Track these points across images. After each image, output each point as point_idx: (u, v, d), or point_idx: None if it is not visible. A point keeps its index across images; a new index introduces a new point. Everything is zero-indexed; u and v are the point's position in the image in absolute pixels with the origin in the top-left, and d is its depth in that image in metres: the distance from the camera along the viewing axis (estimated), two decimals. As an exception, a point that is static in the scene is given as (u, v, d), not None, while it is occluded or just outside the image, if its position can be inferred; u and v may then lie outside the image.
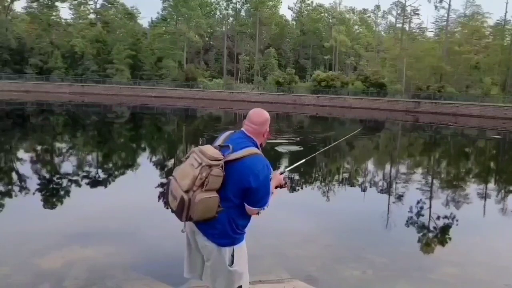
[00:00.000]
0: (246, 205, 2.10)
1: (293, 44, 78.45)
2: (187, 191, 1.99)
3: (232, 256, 2.13)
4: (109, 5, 68.09)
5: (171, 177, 2.15)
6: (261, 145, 2.26)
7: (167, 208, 2.17)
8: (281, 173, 2.46)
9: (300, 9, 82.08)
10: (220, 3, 74.26)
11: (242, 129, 2.26)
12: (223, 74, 67.20)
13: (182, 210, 2.01)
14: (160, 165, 11.11)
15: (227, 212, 2.07)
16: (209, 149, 2.09)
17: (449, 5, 56.78)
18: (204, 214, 2.01)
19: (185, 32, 62.08)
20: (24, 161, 10.40)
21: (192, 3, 64.44)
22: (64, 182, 8.41)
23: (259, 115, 2.24)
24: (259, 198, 2.09)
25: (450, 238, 5.95)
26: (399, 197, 8.35)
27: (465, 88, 53.32)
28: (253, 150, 2.11)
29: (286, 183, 2.44)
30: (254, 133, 2.21)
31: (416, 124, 32.04)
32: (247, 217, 2.19)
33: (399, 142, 20.95)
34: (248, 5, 71.22)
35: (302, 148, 13.61)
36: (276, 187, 2.36)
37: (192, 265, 2.32)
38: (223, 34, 72.24)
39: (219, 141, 2.23)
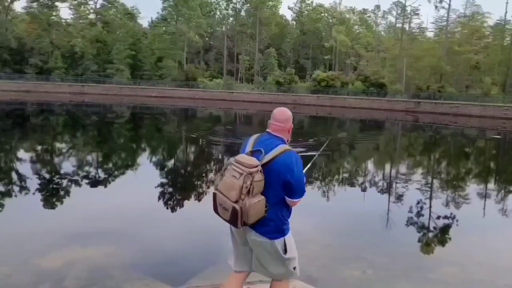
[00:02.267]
0: (287, 198, 2.30)
1: (293, 44, 78.45)
2: (236, 201, 2.16)
3: (285, 245, 2.34)
4: (109, 5, 68.09)
5: (215, 191, 2.31)
6: (287, 141, 2.43)
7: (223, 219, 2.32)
8: None
9: (300, 9, 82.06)
10: (220, 3, 74.32)
11: (267, 130, 2.42)
12: (223, 74, 67.19)
13: (236, 219, 2.18)
14: (160, 165, 11.10)
15: (275, 209, 2.28)
16: (244, 158, 2.26)
17: (449, 5, 56.81)
18: (256, 217, 2.20)
19: (185, 32, 62.07)
20: (24, 161, 10.40)
21: (192, 3, 64.40)
22: (64, 182, 8.41)
23: (283, 113, 2.44)
24: (298, 190, 2.28)
25: (450, 238, 5.95)
26: (399, 197, 8.35)
27: (465, 88, 53.35)
28: (283, 147, 2.29)
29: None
30: (280, 131, 2.39)
31: (416, 124, 32.03)
32: (290, 208, 2.40)
33: (399, 142, 20.95)
34: (248, 5, 71.16)
35: (328, 152, 13.40)
36: None
37: (241, 259, 2.50)
38: (223, 34, 72.22)
39: (249, 146, 2.38)
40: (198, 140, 16.24)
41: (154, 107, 38.02)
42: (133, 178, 9.37)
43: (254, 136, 2.44)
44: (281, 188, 2.25)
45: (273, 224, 2.29)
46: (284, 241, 2.34)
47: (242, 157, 2.27)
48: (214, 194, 2.30)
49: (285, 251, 2.34)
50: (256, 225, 2.27)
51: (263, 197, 2.20)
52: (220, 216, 2.30)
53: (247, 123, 28.65)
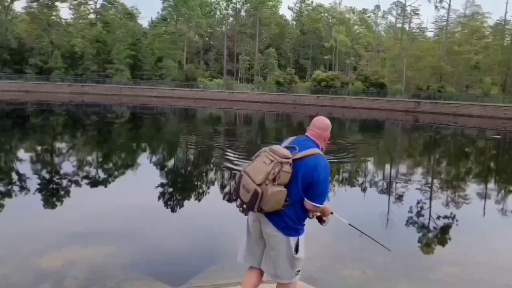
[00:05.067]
0: (305, 199, 2.33)
1: (293, 44, 78.44)
2: (260, 185, 2.22)
3: (297, 245, 2.39)
4: (109, 5, 68.10)
5: (242, 173, 2.37)
6: (322, 149, 2.51)
7: (238, 202, 2.37)
8: (332, 213, 2.63)
9: (300, 9, 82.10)
10: (220, 3, 74.27)
11: (306, 133, 2.54)
12: (223, 74, 67.19)
13: (255, 202, 2.25)
14: (160, 165, 11.10)
15: (293, 206, 2.32)
16: (279, 148, 2.36)
17: (449, 5, 56.84)
18: (274, 206, 2.26)
19: (185, 32, 62.09)
20: (24, 161, 10.39)
21: (192, 3, 64.43)
22: (64, 182, 8.41)
23: (322, 121, 2.56)
24: (319, 193, 2.33)
25: (450, 238, 5.95)
26: (399, 197, 8.34)
27: (465, 88, 53.38)
28: (316, 150, 2.40)
29: (326, 221, 2.61)
30: (317, 137, 2.51)
31: (416, 124, 32.04)
32: (307, 211, 2.43)
33: (399, 142, 20.95)
34: (248, 5, 71.17)
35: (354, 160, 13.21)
36: (318, 217, 2.57)
37: (251, 254, 2.54)
38: (223, 34, 72.21)
39: (285, 143, 2.50)
40: (197, 143, 16.24)
41: (154, 107, 38.00)
42: (133, 178, 9.36)
43: (292, 137, 2.55)
44: (304, 187, 2.30)
45: (289, 221, 2.33)
46: (298, 240, 2.40)
47: (277, 147, 2.37)
48: (240, 176, 2.35)
49: (297, 250, 2.39)
50: (272, 216, 2.32)
51: (285, 189, 2.26)
52: (240, 200, 2.36)
53: (247, 124, 28.64)
